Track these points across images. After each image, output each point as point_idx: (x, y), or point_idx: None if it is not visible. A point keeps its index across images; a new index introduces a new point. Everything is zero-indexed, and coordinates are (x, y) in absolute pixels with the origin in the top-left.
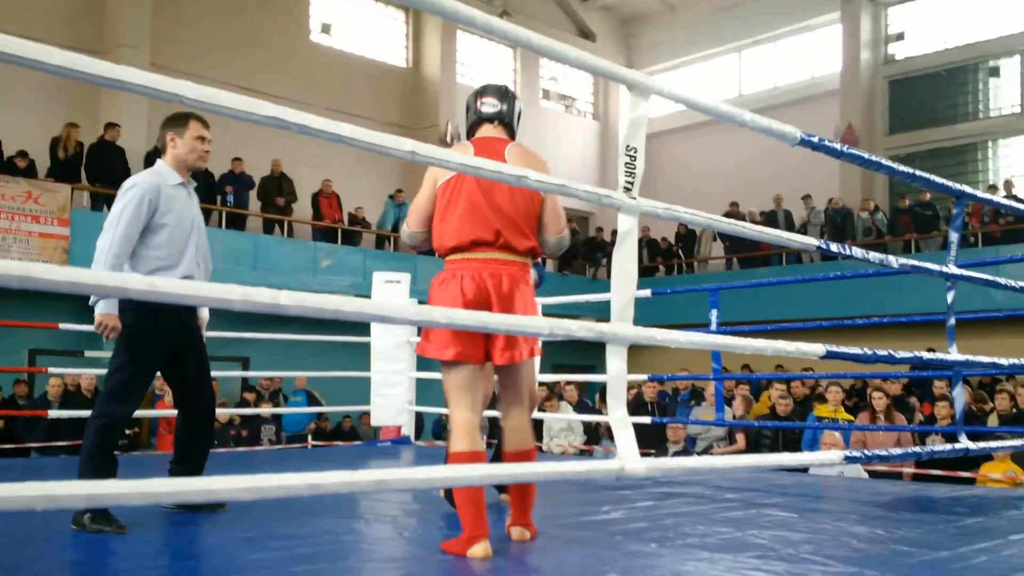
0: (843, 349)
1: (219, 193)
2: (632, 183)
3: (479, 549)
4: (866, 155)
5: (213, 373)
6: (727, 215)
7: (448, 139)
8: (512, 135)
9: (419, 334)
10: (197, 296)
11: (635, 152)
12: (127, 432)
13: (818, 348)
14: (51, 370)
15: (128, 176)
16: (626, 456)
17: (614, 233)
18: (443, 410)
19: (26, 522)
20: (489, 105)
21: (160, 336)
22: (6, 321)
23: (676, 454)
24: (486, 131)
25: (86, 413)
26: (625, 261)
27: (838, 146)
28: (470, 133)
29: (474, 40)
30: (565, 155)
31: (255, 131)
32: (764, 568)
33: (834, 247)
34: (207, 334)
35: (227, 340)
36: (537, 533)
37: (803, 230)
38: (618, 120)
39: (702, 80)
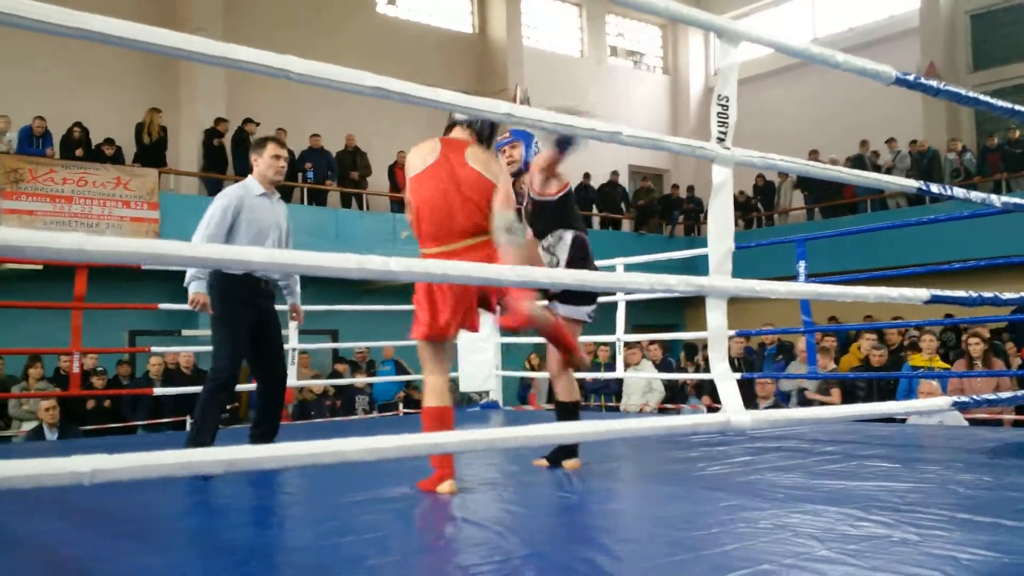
0: (948, 293)
1: (299, 170)
2: (725, 133)
3: (446, 486)
4: (963, 91)
5: (304, 345)
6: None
7: (517, 103)
8: (479, 140)
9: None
10: (321, 266)
11: (727, 101)
12: (227, 407)
13: (922, 293)
14: (154, 349)
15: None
16: (731, 409)
17: (690, 189)
18: (526, 374)
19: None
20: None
21: (238, 317)
22: (109, 304)
23: (767, 408)
24: (456, 133)
25: (188, 390)
26: (721, 213)
27: (934, 83)
28: (445, 134)
29: (539, 1)
30: (635, 112)
31: (329, 108)
32: (871, 518)
33: (935, 188)
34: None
35: (317, 313)
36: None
37: (888, 174)
38: (688, 73)
39: (775, 25)
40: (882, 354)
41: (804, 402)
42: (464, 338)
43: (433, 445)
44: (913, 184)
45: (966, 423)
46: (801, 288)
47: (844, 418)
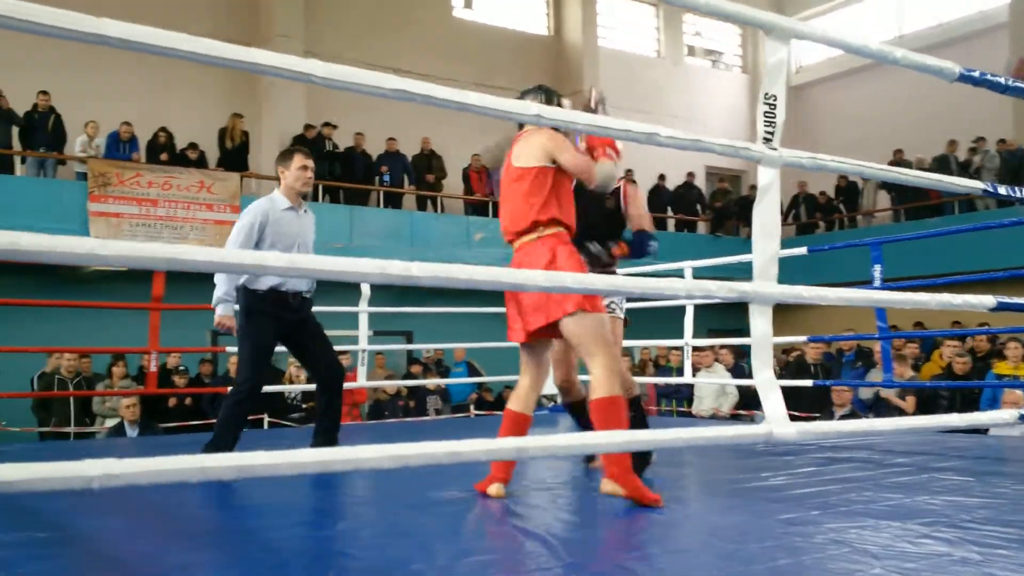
0: (1018, 300)
1: (376, 173)
2: (772, 133)
3: (494, 488)
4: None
5: (379, 347)
6: (892, 163)
7: (593, 105)
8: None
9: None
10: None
11: (775, 100)
12: (303, 406)
13: (988, 300)
14: (228, 348)
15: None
16: (774, 420)
17: None
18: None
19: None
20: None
21: (262, 330)
22: (187, 304)
23: (842, 418)
24: (525, 131)
25: (264, 388)
26: (766, 216)
27: (1002, 80)
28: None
29: (615, 1)
30: (714, 112)
31: (406, 111)
32: (934, 535)
33: (1002, 190)
34: (371, 309)
35: (391, 315)
36: (636, 496)
37: (977, 175)
38: None
39: (859, 21)
40: (965, 361)
41: (888, 410)
42: None
43: (449, 453)
44: (979, 185)
45: None
46: (851, 294)
47: (901, 430)
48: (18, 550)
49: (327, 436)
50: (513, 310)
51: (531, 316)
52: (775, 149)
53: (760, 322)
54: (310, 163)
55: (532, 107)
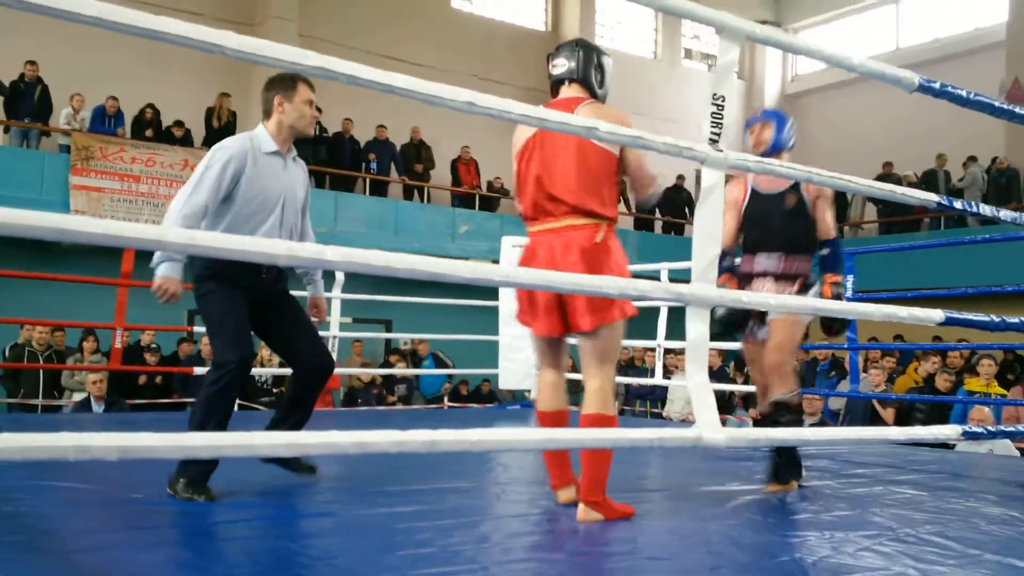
0: (965, 315)
1: (363, 160)
2: (719, 134)
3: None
4: (995, 102)
5: (358, 334)
6: (879, 177)
7: None
8: (592, 91)
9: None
10: (240, 251)
11: (723, 101)
12: (273, 391)
13: (935, 314)
14: (196, 329)
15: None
16: (704, 425)
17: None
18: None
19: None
20: (558, 67)
21: (230, 297)
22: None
23: (812, 426)
24: (563, 93)
25: None
26: (708, 218)
27: (963, 93)
28: (552, 96)
29: (614, 0)
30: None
31: (396, 99)
32: (875, 548)
33: (958, 204)
34: (351, 297)
35: (371, 303)
36: (613, 517)
37: (959, 192)
38: (764, 79)
39: (856, 34)
40: (948, 378)
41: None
42: (505, 334)
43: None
44: (933, 198)
45: (1018, 453)
46: (795, 302)
47: (838, 441)
48: None
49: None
50: (542, 301)
51: (586, 315)
52: (721, 151)
53: (696, 325)
54: (315, 98)
55: (463, 94)
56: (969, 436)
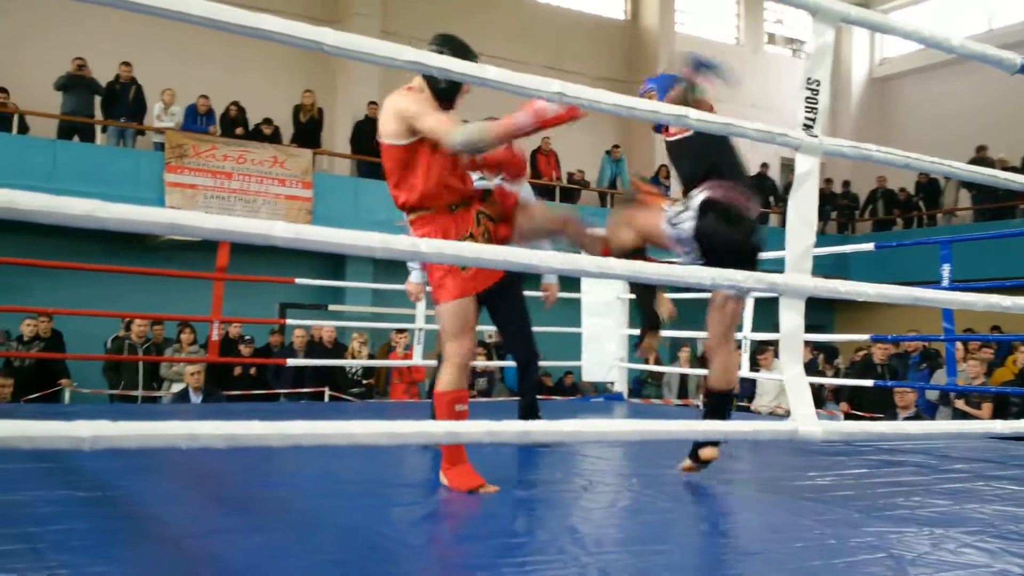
0: None
1: None
2: (813, 120)
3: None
4: None
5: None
6: (972, 160)
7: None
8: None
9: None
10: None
11: (818, 85)
12: (363, 382)
13: None
14: (289, 321)
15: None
16: (801, 418)
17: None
18: (650, 367)
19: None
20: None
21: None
22: (253, 276)
23: (905, 419)
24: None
25: (322, 362)
26: (803, 206)
27: None
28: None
29: None
30: (792, 102)
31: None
32: (977, 545)
33: None
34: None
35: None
36: (458, 488)
37: None
38: (851, 63)
39: (948, 15)
40: None
41: (955, 414)
42: (588, 325)
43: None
44: None
45: None
46: (892, 292)
47: (937, 435)
48: (57, 507)
49: (526, 411)
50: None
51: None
52: (815, 136)
53: (790, 315)
54: None
55: (555, 84)
56: None
